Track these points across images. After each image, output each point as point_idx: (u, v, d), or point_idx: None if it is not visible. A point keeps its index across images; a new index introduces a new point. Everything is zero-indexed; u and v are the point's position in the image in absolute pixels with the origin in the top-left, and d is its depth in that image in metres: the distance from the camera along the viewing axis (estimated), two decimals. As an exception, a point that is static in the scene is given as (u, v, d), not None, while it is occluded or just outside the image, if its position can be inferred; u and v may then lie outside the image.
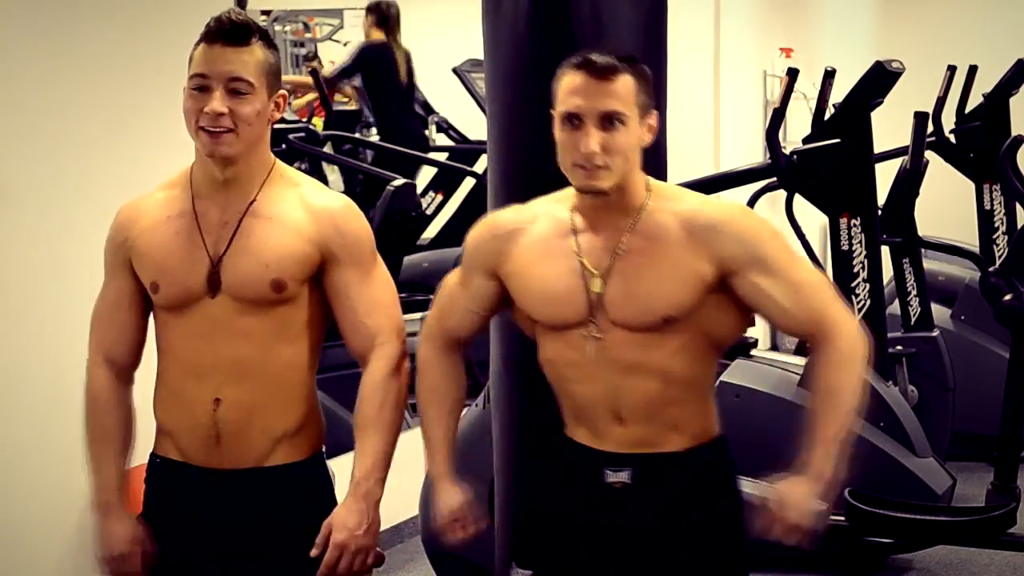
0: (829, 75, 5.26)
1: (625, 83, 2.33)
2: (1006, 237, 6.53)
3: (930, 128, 5.96)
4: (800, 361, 5.12)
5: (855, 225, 4.99)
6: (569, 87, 2.35)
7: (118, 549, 2.52)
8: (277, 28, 6.99)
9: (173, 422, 2.51)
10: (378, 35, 6.47)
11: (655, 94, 2.44)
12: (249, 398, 2.47)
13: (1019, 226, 6.16)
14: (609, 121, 2.32)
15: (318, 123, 6.46)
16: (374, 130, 6.69)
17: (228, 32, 2.40)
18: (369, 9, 6.48)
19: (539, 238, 2.44)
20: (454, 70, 6.20)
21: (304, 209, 2.50)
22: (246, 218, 2.47)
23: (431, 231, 6.55)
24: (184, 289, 2.47)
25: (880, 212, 5.21)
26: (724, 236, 2.35)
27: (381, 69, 6.51)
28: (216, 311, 2.45)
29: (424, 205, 6.35)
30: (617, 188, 2.36)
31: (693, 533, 2.43)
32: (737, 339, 2.50)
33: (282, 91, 2.50)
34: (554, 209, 2.45)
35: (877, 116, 4.99)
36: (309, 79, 6.73)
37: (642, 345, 2.37)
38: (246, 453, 2.49)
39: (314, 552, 2.48)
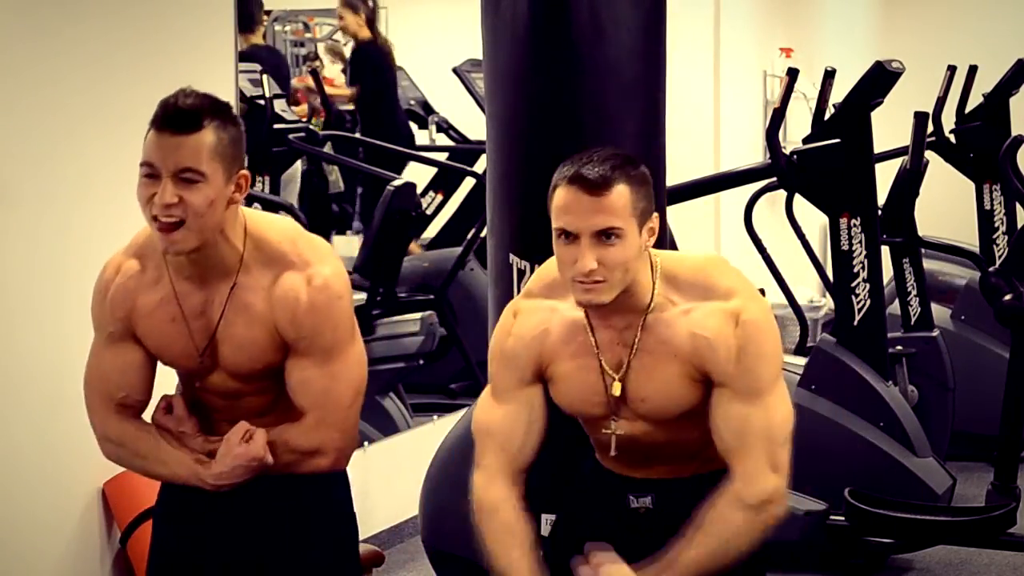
0: (829, 75, 5.26)
1: (620, 195, 2.27)
2: (1006, 237, 6.52)
3: (930, 128, 5.96)
4: (800, 361, 5.12)
5: (855, 225, 4.98)
6: (561, 203, 2.29)
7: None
8: (277, 28, 6.98)
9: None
10: (367, 33, 6.46)
11: (655, 195, 2.39)
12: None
13: (1019, 226, 6.16)
14: (605, 236, 2.27)
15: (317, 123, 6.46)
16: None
17: (174, 119, 2.29)
18: (353, 6, 6.45)
19: (561, 338, 2.43)
20: (454, 70, 6.19)
21: (269, 299, 2.41)
22: (226, 310, 2.42)
23: (431, 231, 6.54)
24: (184, 370, 2.51)
25: (880, 212, 5.21)
26: (717, 356, 2.34)
27: (375, 66, 6.51)
28: (219, 382, 2.48)
29: (424, 205, 6.35)
30: (622, 294, 2.34)
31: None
32: None
33: (244, 172, 2.37)
34: (565, 305, 2.43)
35: (877, 116, 4.99)
36: (310, 80, 6.72)
37: (666, 428, 2.42)
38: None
39: None
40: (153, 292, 2.46)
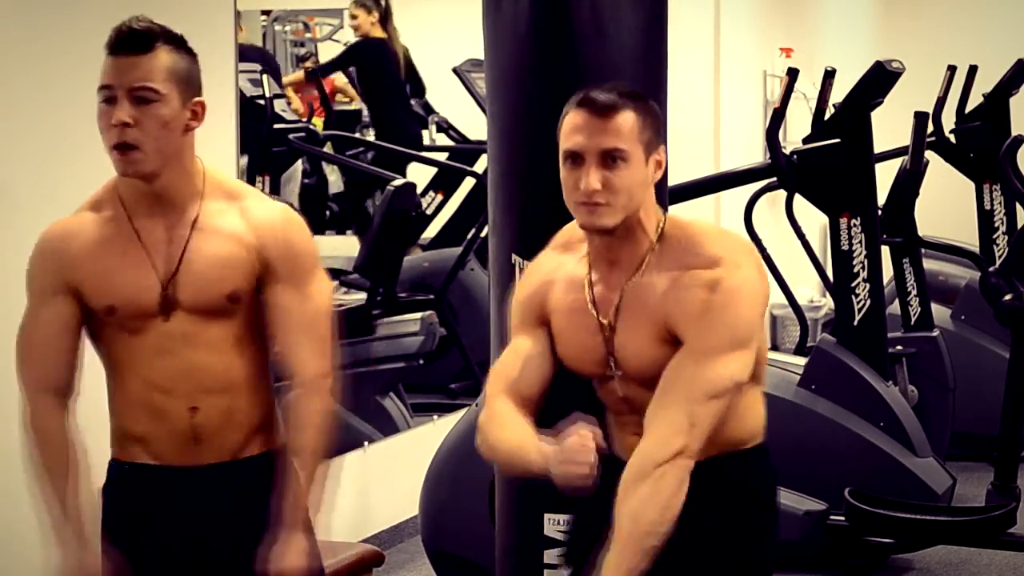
0: (829, 75, 5.27)
1: (626, 119, 2.31)
2: (1006, 237, 6.53)
3: (930, 128, 5.96)
4: (800, 361, 5.12)
5: (855, 225, 4.99)
6: (570, 125, 2.33)
7: None
8: (277, 28, 6.98)
9: (144, 430, 2.47)
10: (378, 32, 6.46)
11: (663, 129, 2.42)
12: (224, 402, 2.47)
13: (1019, 226, 6.16)
14: (611, 159, 2.30)
15: (318, 123, 6.46)
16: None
17: (128, 40, 2.34)
18: (366, 5, 6.45)
19: (562, 290, 2.45)
20: (454, 70, 6.19)
21: (245, 221, 2.46)
22: (193, 235, 2.43)
23: (431, 231, 6.54)
24: (139, 311, 2.44)
25: (880, 212, 5.21)
26: (682, 313, 2.32)
27: (377, 65, 6.50)
28: (175, 327, 2.43)
29: (424, 205, 6.35)
30: (624, 228, 2.34)
31: (705, 540, 2.40)
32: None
33: (199, 99, 2.41)
34: (573, 258, 2.45)
35: (877, 116, 4.99)
36: (301, 76, 6.72)
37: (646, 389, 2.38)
38: (224, 448, 2.48)
39: None
40: (101, 230, 2.44)
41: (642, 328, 2.36)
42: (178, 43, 2.41)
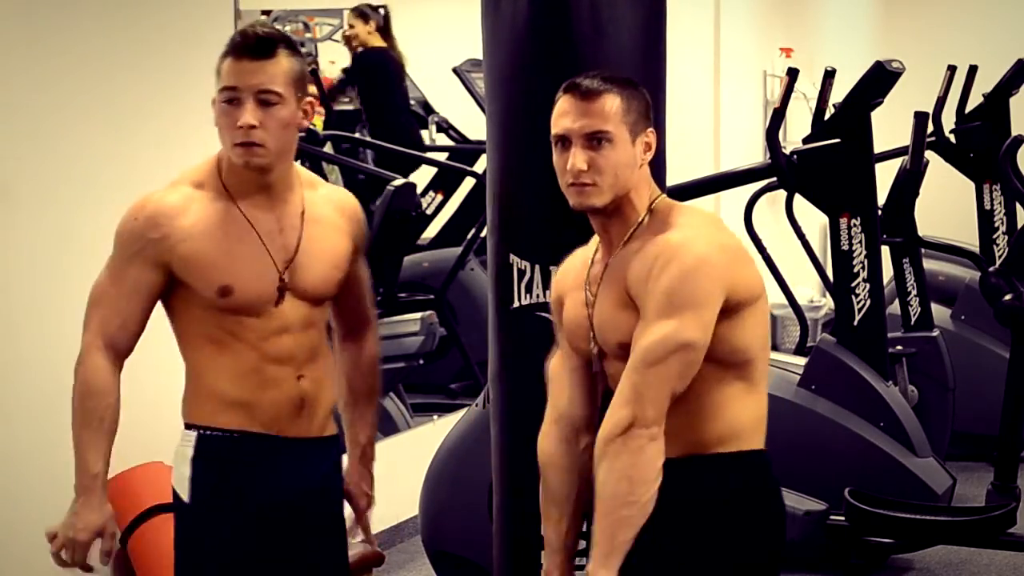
0: (829, 75, 5.26)
1: (611, 102, 2.38)
2: (1006, 237, 6.53)
3: (930, 128, 5.96)
4: (800, 361, 5.12)
5: (855, 225, 4.99)
6: (558, 111, 2.42)
7: (81, 535, 2.54)
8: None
9: (254, 395, 2.58)
10: (377, 41, 6.45)
11: (653, 113, 2.46)
12: (321, 373, 2.66)
13: (1019, 226, 6.16)
14: (596, 140, 2.37)
15: (318, 123, 6.45)
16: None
17: (254, 46, 2.49)
18: (364, 15, 6.45)
19: (573, 271, 2.53)
20: (454, 70, 6.19)
21: (335, 209, 2.67)
22: (305, 225, 2.60)
23: (431, 231, 6.54)
24: (256, 296, 2.56)
25: (880, 212, 5.21)
26: (634, 276, 2.35)
27: (381, 75, 6.49)
28: (286, 311, 2.59)
29: (424, 205, 6.35)
30: (614, 207, 2.39)
31: (664, 545, 2.35)
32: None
33: (309, 98, 2.57)
34: (594, 242, 2.52)
35: (877, 116, 4.99)
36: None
37: (623, 364, 2.36)
38: (315, 422, 2.66)
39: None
40: (207, 212, 2.55)
41: (611, 295, 2.41)
42: (293, 47, 2.56)
